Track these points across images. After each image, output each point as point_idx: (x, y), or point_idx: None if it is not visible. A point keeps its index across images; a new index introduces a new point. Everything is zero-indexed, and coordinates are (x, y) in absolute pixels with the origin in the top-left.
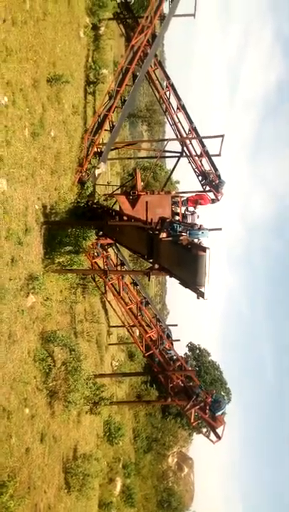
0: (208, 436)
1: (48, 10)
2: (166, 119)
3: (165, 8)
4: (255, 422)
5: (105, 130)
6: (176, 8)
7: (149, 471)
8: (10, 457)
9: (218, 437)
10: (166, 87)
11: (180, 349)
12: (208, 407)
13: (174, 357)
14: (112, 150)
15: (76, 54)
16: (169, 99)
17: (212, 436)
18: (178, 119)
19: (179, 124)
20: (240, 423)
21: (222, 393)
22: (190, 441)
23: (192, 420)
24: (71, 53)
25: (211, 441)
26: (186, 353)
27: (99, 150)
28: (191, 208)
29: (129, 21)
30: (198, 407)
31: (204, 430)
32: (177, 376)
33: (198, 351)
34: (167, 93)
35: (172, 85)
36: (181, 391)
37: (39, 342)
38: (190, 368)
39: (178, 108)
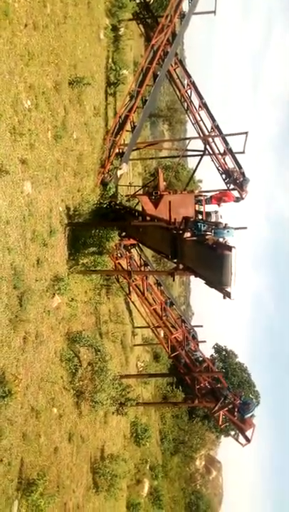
0: (237, 439)
1: (68, 13)
2: (187, 118)
3: (185, 6)
4: (287, 425)
5: (127, 131)
6: (196, 6)
7: (177, 473)
8: (39, 456)
9: (248, 440)
10: (188, 85)
11: (206, 350)
12: (236, 409)
13: (201, 358)
14: (133, 150)
15: (96, 56)
16: (190, 97)
17: (241, 439)
18: (200, 117)
19: (201, 122)
20: (271, 427)
21: (250, 396)
22: (218, 444)
23: (220, 422)
24: (91, 55)
25: (240, 444)
26: (212, 355)
27: (121, 151)
28: (214, 207)
29: (148, 21)
30: (226, 409)
31: (233, 433)
32: (204, 378)
33: (224, 353)
34: (189, 91)
35: (193, 83)
36: (208, 393)
37: (65, 342)
38: (217, 370)
39: (200, 106)
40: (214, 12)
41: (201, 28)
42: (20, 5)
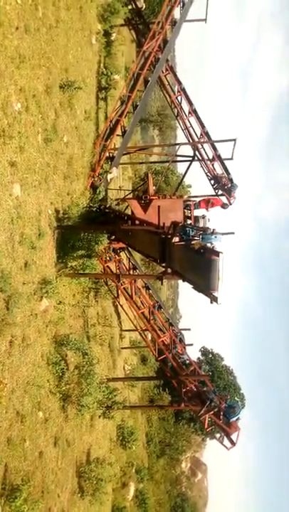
0: (222, 442)
1: (60, 17)
2: (177, 124)
3: (176, 13)
4: (271, 429)
5: (117, 135)
6: (187, 14)
7: (162, 475)
8: (24, 461)
9: (233, 443)
10: (178, 91)
11: (193, 353)
12: (222, 413)
13: (187, 361)
14: (123, 155)
15: (88, 60)
16: (180, 103)
17: (226, 442)
18: (190, 123)
19: (190, 129)
20: (255, 430)
21: (236, 399)
22: (204, 446)
23: (206, 426)
24: (83, 59)
25: (225, 447)
26: (199, 358)
27: (111, 155)
28: (202, 212)
29: (140, 27)
30: (212, 412)
31: (218, 436)
32: (190, 381)
33: (211, 356)
34: (179, 98)
35: (184, 90)
36: (194, 396)
37: (52, 346)
38: (203, 373)
39: (189, 112)
40: (205, 20)
41: (193, 35)
42: (12, 7)
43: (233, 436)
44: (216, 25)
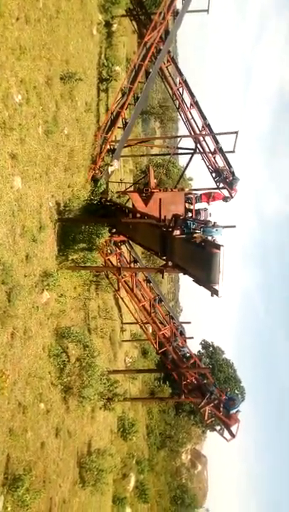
0: (222, 434)
1: (61, 8)
2: (179, 116)
3: (178, 3)
4: (271, 421)
5: (118, 127)
6: (189, 4)
7: (163, 467)
8: (26, 451)
9: (232, 435)
10: (179, 83)
11: (193, 347)
12: (222, 405)
13: (188, 354)
14: (124, 147)
15: (89, 51)
16: (182, 95)
17: (226, 434)
18: (191, 115)
19: (192, 121)
20: (255, 422)
21: (236, 391)
22: (204, 438)
23: (206, 418)
24: (84, 51)
25: (225, 439)
26: (199, 351)
27: (112, 147)
28: (203, 205)
29: (142, 18)
30: (212, 404)
31: (218, 428)
32: (191, 374)
33: (211, 349)
34: (180, 90)
35: (185, 82)
36: (194, 388)
37: (53, 338)
38: (204, 366)
39: (191, 105)
40: (207, 11)
41: (195, 25)
42: None
43: (233, 428)
44: (218, 16)
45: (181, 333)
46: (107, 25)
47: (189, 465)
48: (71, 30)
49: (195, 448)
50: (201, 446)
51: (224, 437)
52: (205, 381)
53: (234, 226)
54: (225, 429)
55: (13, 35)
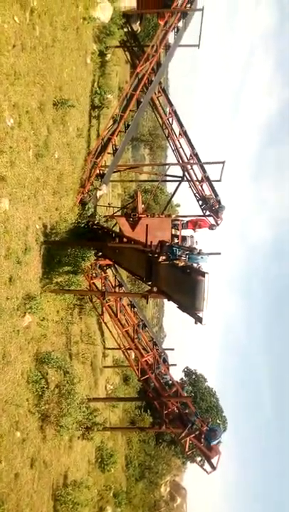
0: (202, 466)
1: (57, 37)
2: (168, 144)
3: (170, 38)
4: (252, 453)
5: (108, 153)
6: (181, 39)
7: (141, 500)
8: None
9: (213, 467)
10: (169, 113)
11: (176, 374)
12: (203, 436)
13: (170, 382)
14: (114, 172)
15: (82, 79)
16: (171, 125)
17: (206, 466)
18: (180, 144)
19: (180, 150)
20: (236, 453)
21: (218, 421)
22: (184, 469)
23: (187, 449)
24: (78, 78)
25: (206, 471)
26: (182, 378)
27: (101, 172)
28: (190, 232)
29: (135, 49)
30: (193, 435)
31: (199, 459)
32: (172, 402)
33: (194, 377)
34: (170, 119)
35: (175, 112)
36: (176, 418)
37: (33, 363)
38: (186, 395)
39: (180, 134)
40: (198, 46)
41: (186, 58)
42: (10, 26)
43: (214, 460)
44: (208, 50)
45: (164, 360)
46: (101, 54)
47: (168, 498)
48: (66, 58)
49: (174, 480)
50: (181, 477)
51: (204, 469)
52: (186, 410)
53: (219, 253)
54: (205, 461)
55: (9, 61)
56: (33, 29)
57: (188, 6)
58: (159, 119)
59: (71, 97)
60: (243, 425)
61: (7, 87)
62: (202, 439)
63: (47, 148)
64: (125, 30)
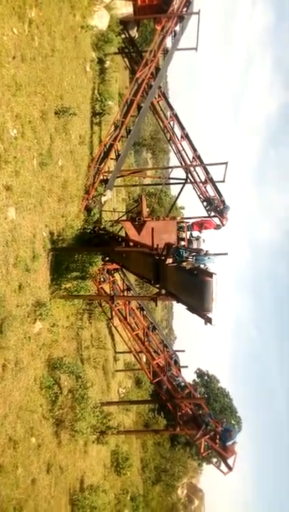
0: (218, 467)
1: (55, 46)
2: (170, 147)
3: (168, 42)
4: (267, 449)
5: (111, 159)
6: (178, 43)
7: (158, 503)
8: (16, 488)
9: (230, 468)
10: (170, 117)
11: (188, 375)
12: (218, 437)
13: (182, 384)
14: (117, 177)
15: (82, 87)
16: (173, 128)
17: (223, 466)
18: (182, 147)
19: (183, 152)
20: (252, 452)
21: (232, 422)
22: (200, 471)
23: (202, 450)
24: (78, 86)
25: (222, 472)
26: (194, 380)
27: (105, 178)
28: (196, 233)
29: (133, 55)
30: (208, 436)
31: (215, 460)
32: (186, 404)
33: (206, 378)
34: (171, 123)
35: (176, 115)
36: (190, 420)
37: (45, 369)
38: (199, 396)
39: (182, 137)
40: (196, 49)
41: (184, 61)
42: (9, 38)
43: (230, 461)
44: (206, 53)
45: (176, 362)
46: (100, 62)
47: (186, 500)
48: (65, 67)
49: (191, 482)
50: (198, 479)
51: (221, 470)
52: (200, 412)
53: (226, 254)
54: (222, 462)
55: (10, 72)
56: (32, 40)
57: (185, 10)
58: (160, 123)
59: (72, 105)
60: (258, 424)
61: (9, 98)
62: (217, 440)
63: (50, 157)
64: (123, 36)
